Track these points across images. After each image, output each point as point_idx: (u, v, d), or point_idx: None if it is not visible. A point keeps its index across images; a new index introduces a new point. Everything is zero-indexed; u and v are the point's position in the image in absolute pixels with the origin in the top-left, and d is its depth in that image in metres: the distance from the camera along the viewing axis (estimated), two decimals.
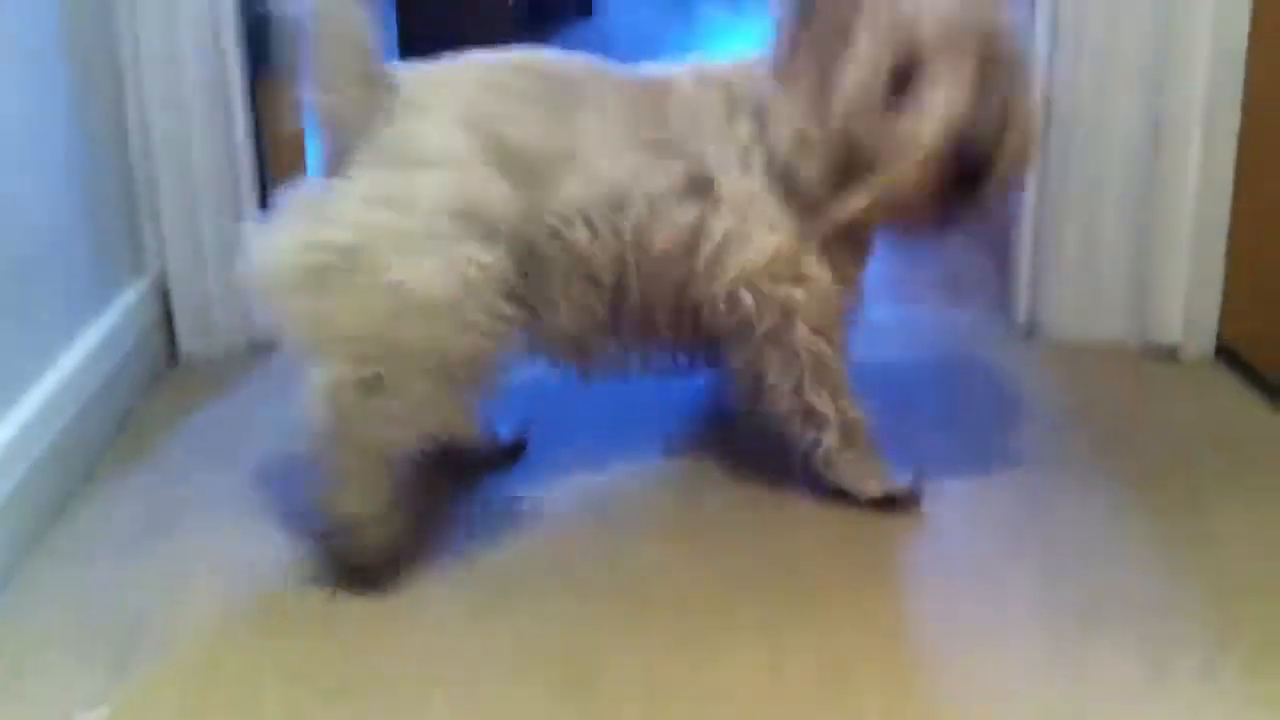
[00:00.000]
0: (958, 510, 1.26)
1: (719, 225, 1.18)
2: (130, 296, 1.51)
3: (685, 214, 1.18)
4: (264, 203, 1.63)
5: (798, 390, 1.21)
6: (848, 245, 1.20)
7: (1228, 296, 1.55)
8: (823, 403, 1.21)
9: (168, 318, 1.59)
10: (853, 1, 1.09)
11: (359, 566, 1.15)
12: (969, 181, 1.08)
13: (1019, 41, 1.13)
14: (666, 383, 1.37)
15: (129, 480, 1.34)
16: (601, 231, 1.16)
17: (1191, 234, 1.54)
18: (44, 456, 1.24)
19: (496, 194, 1.11)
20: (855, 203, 1.13)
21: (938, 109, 1.07)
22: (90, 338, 1.39)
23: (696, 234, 1.18)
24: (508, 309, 1.11)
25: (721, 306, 1.19)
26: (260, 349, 1.60)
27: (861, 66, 1.09)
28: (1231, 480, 1.30)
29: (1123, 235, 1.57)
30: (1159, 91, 1.51)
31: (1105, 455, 1.35)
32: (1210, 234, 1.54)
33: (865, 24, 1.08)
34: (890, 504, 1.25)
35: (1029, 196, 1.61)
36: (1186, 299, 1.56)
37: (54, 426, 1.27)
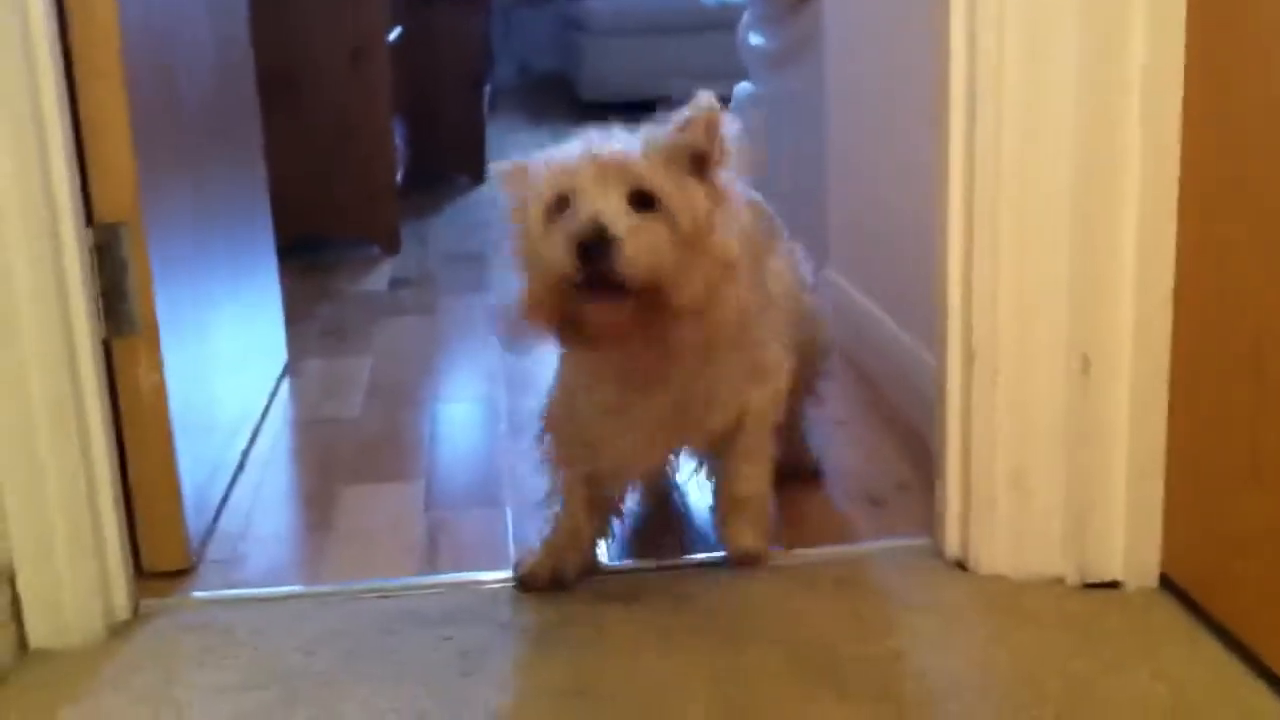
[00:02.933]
0: None
1: None
2: None
3: None
4: (125, 484, 1.50)
5: None
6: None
7: (1168, 528, 1.46)
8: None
9: (13, 608, 1.42)
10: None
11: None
12: (599, 252, 1.26)
13: (665, 182, 1.31)
14: None
15: None
16: None
17: (1127, 465, 1.46)
18: None
19: None
20: (520, 297, 1.35)
21: (571, 220, 1.29)
22: None
23: None
24: None
25: None
26: (123, 631, 1.45)
27: (533, 205, 1.34)
28: None
29: (1056, 466, 1.48)
30: (1085, 322, 1.44)
31: None
32: (1147, 464, 1.45)
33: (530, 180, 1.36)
34: None
35: (949, 433, 1.53)
36: (1127, 530, 1.47)
37: None
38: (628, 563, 1.61)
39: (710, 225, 1.34)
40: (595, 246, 1.26)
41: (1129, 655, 1.36)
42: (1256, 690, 1.29)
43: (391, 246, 3.19)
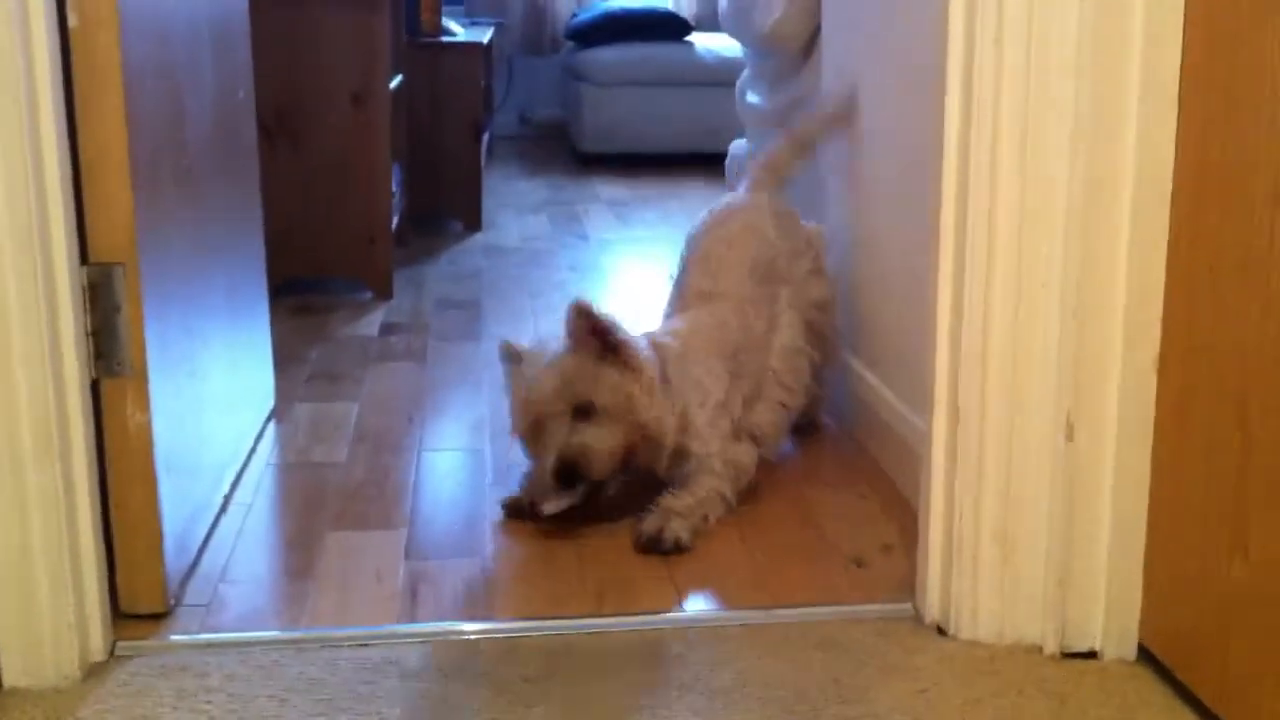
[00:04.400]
0: None
1: None
2: None
3: None
4: (106, 524, 1.50)
5: None
6: None
7: (1148, 598, 1.46)
8: None
9: None
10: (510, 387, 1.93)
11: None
12: (571, 477, 1.80)
13: (607, 393, 1.80)
14: None
15: None
16: None
17: (1109, 532, 1.46)
18: None
19: None
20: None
21: (545, 448, 1.82)
22: None
23: None
24: None
25: None
26: (98, 672, 1.44)
27: (516, 424, 1.89)
28: None
29: (1038, 531, 1.49)
30: (1072, 387, 1.45)
31: None
32: (1128, 533, 1.46)
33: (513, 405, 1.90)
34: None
35: (933, 494, 1.53)
36: (1108, 600, 1.47)
37: None
38: (616, 619, 1.60)
39: (631, 399, 1.80)
40: (567, 474, 1.80)
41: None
42: None
43: (384, 291, 3.20)
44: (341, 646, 1.53)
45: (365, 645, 1.54)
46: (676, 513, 1.82)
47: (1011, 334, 1.47)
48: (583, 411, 1.80)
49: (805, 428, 2.20)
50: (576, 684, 1.45)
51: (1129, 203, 1.41)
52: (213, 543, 1.81)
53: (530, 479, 1.93)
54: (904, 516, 1.85)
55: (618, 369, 1.82)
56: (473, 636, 1.56)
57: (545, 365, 1.84)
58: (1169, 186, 1.39)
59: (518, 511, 1.90)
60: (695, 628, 1.59)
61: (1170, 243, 1.40)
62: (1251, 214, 1.26)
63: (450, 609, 1.63)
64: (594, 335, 1.82)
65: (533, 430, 1.85)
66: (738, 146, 3.23)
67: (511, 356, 1.92)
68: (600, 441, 1.80)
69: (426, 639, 1.56)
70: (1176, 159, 1.38)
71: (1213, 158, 1.33)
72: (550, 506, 1.84)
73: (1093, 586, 1.48)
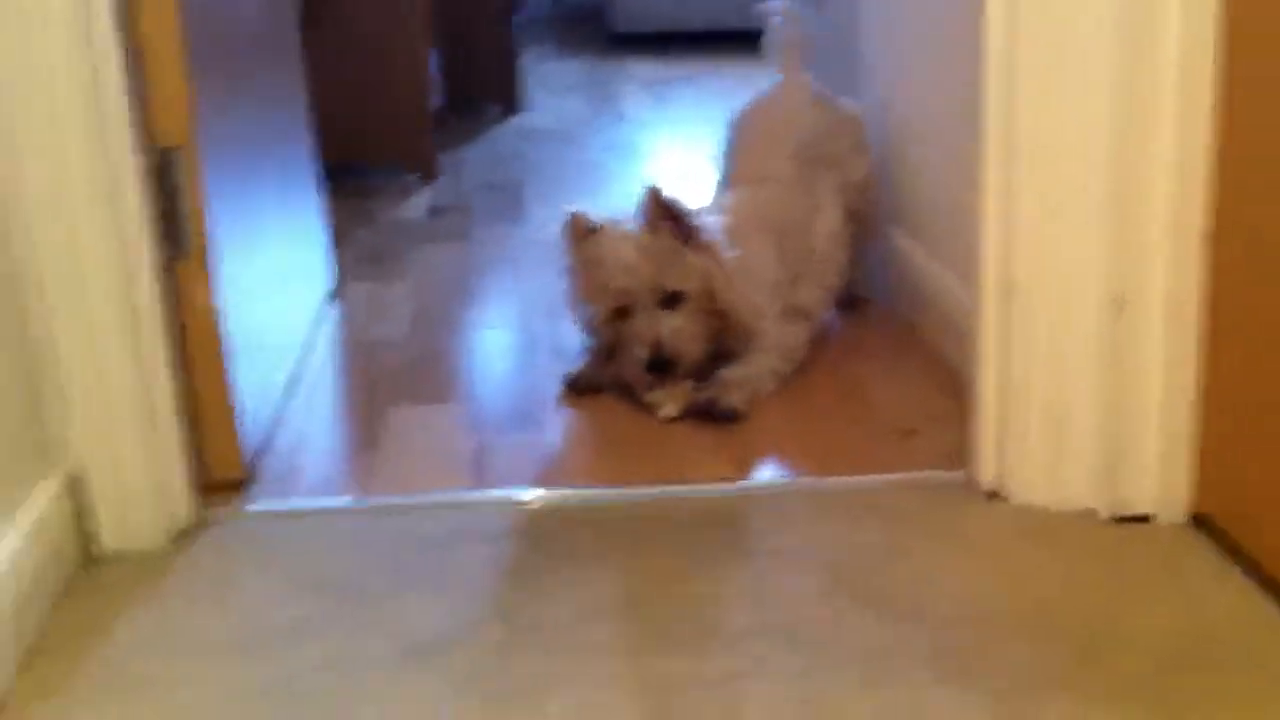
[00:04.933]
0: None
1: None
2: (40, 495, 1.40)
3: None
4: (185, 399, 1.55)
5: None
6: None
7: (1201, 464, 1.50)
8: None
9: (81, 514, 1.48)
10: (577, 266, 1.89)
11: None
12: (663, 367, 1.82)
13: (695, 280, 1.82)
14: None
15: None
16: None
17: (1161, 400, 1.49)
18: None
19: None
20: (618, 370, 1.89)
21: (636, 338, 1.82)
22: None
23: None
24: None
25: None
26: (184, 539, 1.51)
27: (594, 304, 1.89)
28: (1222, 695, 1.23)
29: (1089, 401, 1.52)
30: (1120, 259, 1.47)
31: (1081, 664, 1.28)
32: (1181, 400, 1.49)
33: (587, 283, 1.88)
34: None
35: (984, 367, 1.56)
36: (1159, 466, 1.51)
37: None
38: (677, 488, 1.65)
39: (714, 285, 1.83)
40: (659, 364, 1.81)
41: (1156, 588, 1.41)
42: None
43: (429, 173, 3.22)
44: (413, 513, 1.59)
45: (436, 512, 1.59)
46: (733, 383, 1.85)
47: (1059, 207, 1.48)
48: (672, 298, 1.81)
49: (849, 303, 2.22)
50: (641, 550, 1.50)
51: (1174, 77, 1.41)
52: (284, 418, 1.87)
53: (594, 357, 1.95)
54: (951, 387, 1.88)
55: (699, 254, 1.83)
56: (538, 505, 1.62)
57: (627, 246, 1.82)
58: (1212, 61, 1.39)
59: (580, 387, 1.92)
60: (753, 495, 1.64)
61: (1217, 107, 1.40)
62: None
63: (516, 479, 1.69)
64: (669, 220, 1.83)
65: (616, 314, 1.85)
66: (773, 11, 3.15)
67: (583, 232, 1.88)
68: (691, 329, 1.82)
69: (495, 506, 1.61)
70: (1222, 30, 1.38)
71: (1261, 30, 1.33)
72: (669, 409, 1.83)
73: (1146, 453, 1.51)
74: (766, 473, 1.72)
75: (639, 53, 5.15)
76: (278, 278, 1.98)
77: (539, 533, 1.55)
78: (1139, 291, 1.48)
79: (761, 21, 2.30)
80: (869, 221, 2.21)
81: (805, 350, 1.99)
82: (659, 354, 1.79)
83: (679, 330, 1.81)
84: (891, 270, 2.27)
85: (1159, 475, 1.51)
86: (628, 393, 1.88)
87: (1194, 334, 1.47)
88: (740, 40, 4.91)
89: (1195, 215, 1.44)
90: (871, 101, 2.33)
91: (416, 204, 3.05)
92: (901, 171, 2.25)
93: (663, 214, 1.82)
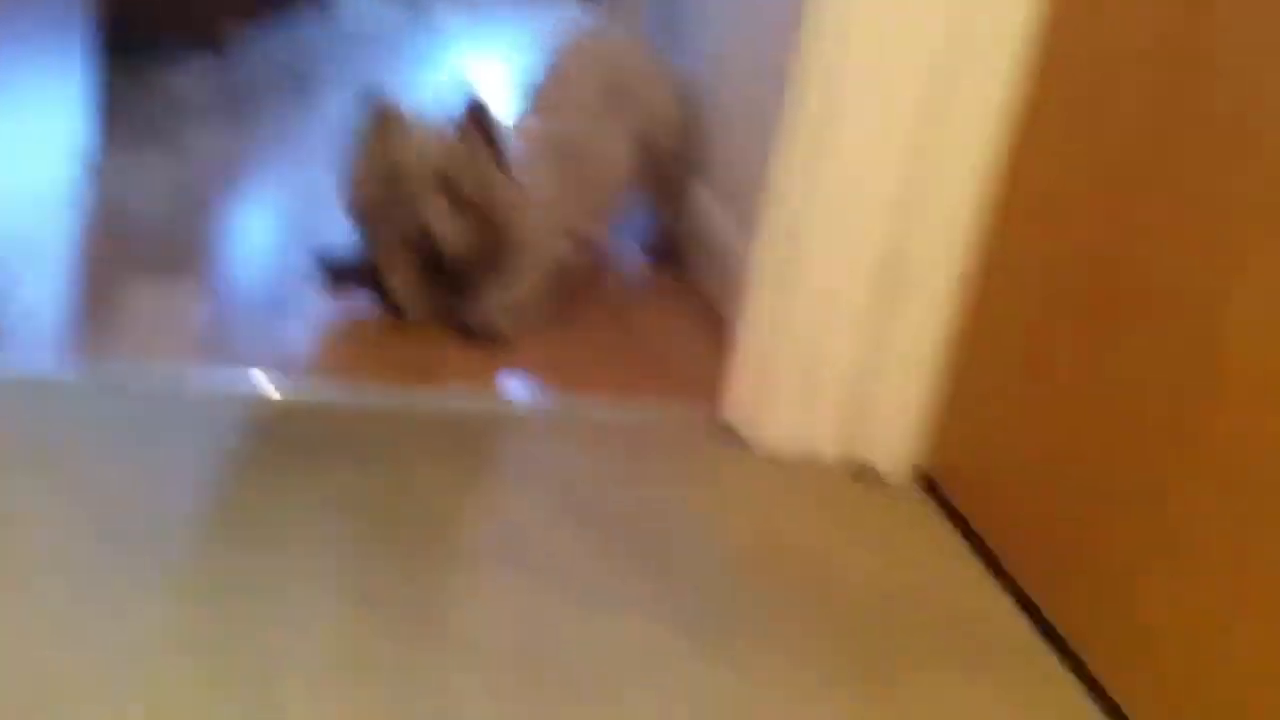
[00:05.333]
0: None
1: None
2: None
3: None
4: None
5: None
6: None
7: (934, 423, 1.53)
8: None
9: None
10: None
11: None
12: (428, 254, 1.78)
13: (479, 186, 1.77)
14: None
15: None
16: None
17: (911, 356, 1.52)
18: None
19: None
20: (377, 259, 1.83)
21: (408, 220, 1.77)
22: None
23: None
24: None
25: None
26: None
27: (371, 181, 1.79)
28: (928, 656, 1.26)
29: (848, 354, 1.54)
30: (902, 221, 1.48)
31: (799, 613, 1.29)
32: (924, 366, 1.52)
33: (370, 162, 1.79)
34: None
35: (750, 307, 1.56)
36: (898, 423, 1.54)
37: None
38: (427, 396, 1.60)
39: (496, 200, 1.79)
40: (424, 250, 1.77)
41: (873, 537, 1.44)
42: (985, 581, 1.37)
43: (219, 49, 3.05)
44: (138, 392, 1.50)
45: (163, 391, 1.51)
46: (500, 305, 1.81)
47: (848, 171, 1.48)
48: (452, 193, 1.78)
49: (662, 252, 2.20)
50: (382, 453, 1.45)
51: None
52: (14, 287, 1.73)
53: (357, 247, 1.88)
54: (719, 335, 1.88)
55: (492, 166, 1.80)
56: (279, 396, 1.54)
57: (429, 136, 1.78)
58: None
59: (335, 270, 1.86)
60: (503, 414, 1.60)
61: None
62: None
63: (255, 363, 1.61)
64: (478, 130, 1.78)
65: (392, 195, 1.78)
66: None
67: (384, 114, 1.80)
68: (463, 226, 1.79)
69: (228, 392, 1.53)
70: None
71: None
72: (416, 311, 1.80)
73: (887, 409, 1.54)
74: (520, 394, 1.69)
75: None
76: (26, 134, 1.83)
77: (272, 423, 1.48)
78: (914, 252, 1.50)
79: None
80: (673, 172, 2.20)
81: (579, 277, 1.95)
82: (426, 242, 1.76)
83: (451, 223, 1.77)
84: (695, 231, 2.26)
85: (897, 430, 1.54)
86: (379, 289, 1.81)
87: (953, 298, 1.50)
88: None
89: (972, 191, 1.46)
90: (693, 62, 2.31)
91: (202, 81, 2.88)
92: (713, 126, 2.23)
93: (477, 127, 1.78)
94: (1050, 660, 1.26)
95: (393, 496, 1.37)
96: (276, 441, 1.44)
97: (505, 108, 2.15)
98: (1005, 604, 1.34)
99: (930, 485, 1.54)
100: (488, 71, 3.51)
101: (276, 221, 2.14)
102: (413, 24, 3.94)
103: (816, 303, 1.53)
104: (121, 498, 1.29)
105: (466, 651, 1.14)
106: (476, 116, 1.79)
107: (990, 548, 1.41)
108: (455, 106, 1.78)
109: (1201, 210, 1.15)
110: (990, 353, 1.46)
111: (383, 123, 1.78)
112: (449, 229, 1.77)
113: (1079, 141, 1.32)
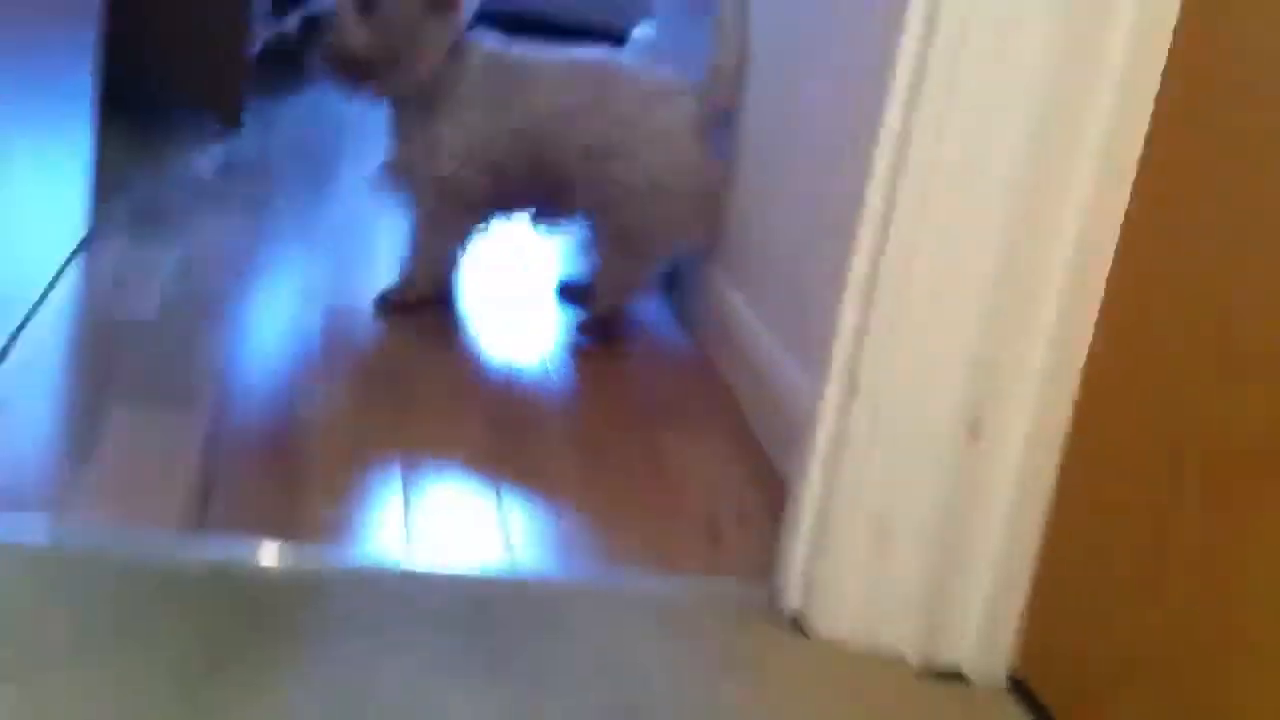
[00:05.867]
0: None
1: None
2: None
3: None
4: None
5: None
6: None
7: (1027, 622, 1.33)
8: None
9: None
10: None
11: None
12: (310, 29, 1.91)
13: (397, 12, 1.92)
14: None
15: None
16: None
17: (999, 545, 1.32)
18: None
19: None
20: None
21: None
22: None
23: None
24: None
25: None
26: None
27: None
28: None
29: (920, 534, 1.34)
30: (985, 382, 1.29)
31: None
32: (1018, 547, 1.32)
33: None
34: None
35: (811, 468, 1.37)
36: (983, 618, 1.33)
37: None
38: (427, 570, 1.41)
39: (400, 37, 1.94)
40: (310, 26, 1.90)
41: None
42: None
43: (231, 121, 2.88)
44: (114, 557, 1.30)
45: (143, 558, 1.31)
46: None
47: (929, 315, 1.30)
48: (367, 9, 1.89)
49: (605, 323, 2.08)
50: (371, 635, 1.25)
51: (1075, 200, 1.25)
52: None
53: (406, 274, 2.02)
54: (764, 475, 1.68)
55: (428, 17, 1.95)
56: (268, 564, 1.34)
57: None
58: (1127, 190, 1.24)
59: (390, 305, 2.00)
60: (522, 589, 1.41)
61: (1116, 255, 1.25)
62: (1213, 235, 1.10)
63: (245, 525, 1.41)
64: None
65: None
66: (642, 32, 2.91)
67: None
68: (356, 30, 1.90)
69: (212, 560, 1.33)
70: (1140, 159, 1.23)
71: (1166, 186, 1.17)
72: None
73: (970, 599, 1.34)
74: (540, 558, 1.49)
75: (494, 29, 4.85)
76: (11, 218, 1.65)
77: (261, 596, 1.28)
78: (999, 419, 1.31)
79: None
80: (640, 245, 2.04)
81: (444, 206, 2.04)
82: (315, 13, 1.90)
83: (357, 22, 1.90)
84: (708, 313, 2.08)
85: (983, 628, 1.34)
86: (442, 302, 2.02)
87: (1054, 468, 1.30)
88: (598, 39, 4.66)
89: (1074, 352, 1.27)
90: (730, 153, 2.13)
91: (212, 156, 2.71)
92: (746, 210, 2.05)
93: None
94: None
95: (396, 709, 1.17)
96: (273, 623, 1.24)
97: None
98: None
99: (1025, 693, 1.33)
100: None
101: (286, 327, 1.95)
102: None
103: (886, 466, 1.33)
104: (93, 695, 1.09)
105: None
106: None
107: None
108: None
109: None
110: (1098, 532, 1.26)
111: None
112: (342, 28, 1.89)
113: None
